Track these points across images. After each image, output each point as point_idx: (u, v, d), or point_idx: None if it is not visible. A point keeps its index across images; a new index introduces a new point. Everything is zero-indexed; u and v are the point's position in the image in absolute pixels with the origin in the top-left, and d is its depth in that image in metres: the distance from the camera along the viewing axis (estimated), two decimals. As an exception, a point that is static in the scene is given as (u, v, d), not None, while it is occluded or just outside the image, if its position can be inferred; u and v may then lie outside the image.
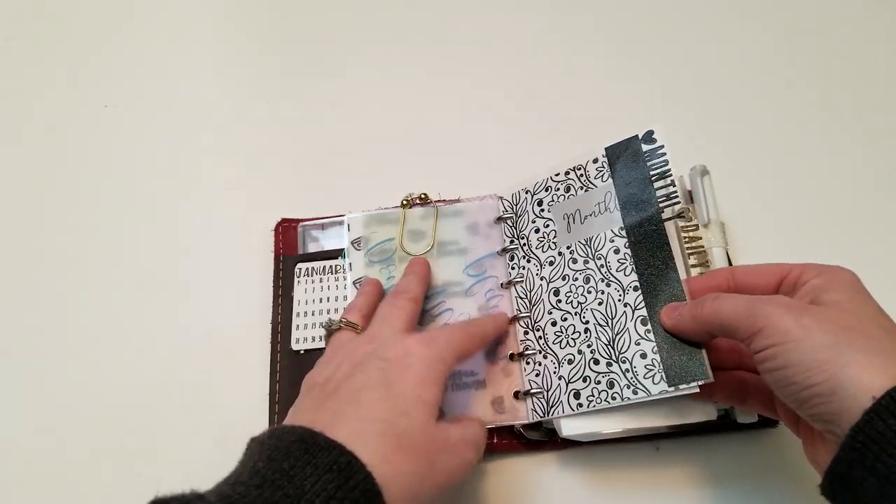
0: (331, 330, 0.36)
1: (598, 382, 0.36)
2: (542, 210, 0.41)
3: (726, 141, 0.49)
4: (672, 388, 0.33)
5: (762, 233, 0.45)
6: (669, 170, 0.37)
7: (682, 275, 0.36)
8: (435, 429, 0.30)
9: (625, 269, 0.37)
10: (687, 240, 0.40)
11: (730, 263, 0.40)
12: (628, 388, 0.35)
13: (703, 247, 0.40)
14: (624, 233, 0.37)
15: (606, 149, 0.40)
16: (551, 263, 0.40)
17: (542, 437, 0.38)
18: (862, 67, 0.52)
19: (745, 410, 0.36)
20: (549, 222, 0.40)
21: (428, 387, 0.30)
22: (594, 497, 0.38)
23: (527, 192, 0.42)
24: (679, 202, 0.36)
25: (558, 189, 0.41)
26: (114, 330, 0.43)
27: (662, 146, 0.38)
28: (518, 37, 0.54)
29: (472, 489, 0.38)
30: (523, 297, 0.40)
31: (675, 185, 0.37)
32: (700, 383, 0.33)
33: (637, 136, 0.38)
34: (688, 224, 0.40)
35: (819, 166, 0.48)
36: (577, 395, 0.36)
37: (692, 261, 0.39)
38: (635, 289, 0.36)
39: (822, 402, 0.26)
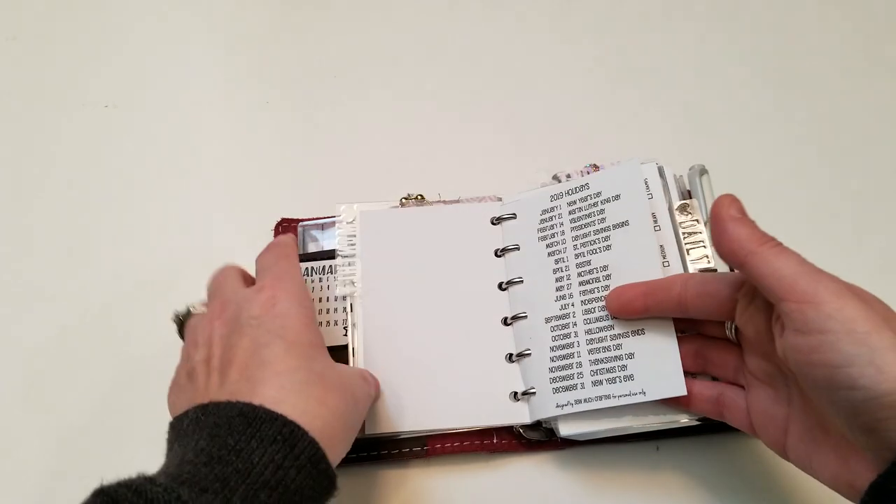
0: (181, 321, 0.35)
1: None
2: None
3: (725, 139, 0.49)
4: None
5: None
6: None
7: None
8: (335, 365, 0.31)
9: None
10: (686, 234, 0.40)
11: None
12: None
13: (703, 242, 0.39)
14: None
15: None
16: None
17: (541, 438, 0.38)
18: (863, 67, 0.52)
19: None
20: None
21: (312, 328, 0.31)
22: (594, 497, 0.38)
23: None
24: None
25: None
26: (112, 331, 0.43)
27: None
28: (519, 39, 0.54)
29: (472, 489, 0.38)
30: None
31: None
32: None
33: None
34: (687, 220, 0.40)
35: (823, 164, 0.48)
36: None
37: (692, 255, 0.39)
38: None
39: (857, 388, 0.23)
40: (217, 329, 0.31)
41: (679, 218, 0.40)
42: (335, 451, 0.28)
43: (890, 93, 0.51)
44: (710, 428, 0.37)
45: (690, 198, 0.41)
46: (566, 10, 0.55)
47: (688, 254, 0.39)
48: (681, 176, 0.42)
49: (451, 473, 0.38)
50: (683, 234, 0.39)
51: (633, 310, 0.35)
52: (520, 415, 0.38)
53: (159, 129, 0.51)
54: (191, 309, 0.35)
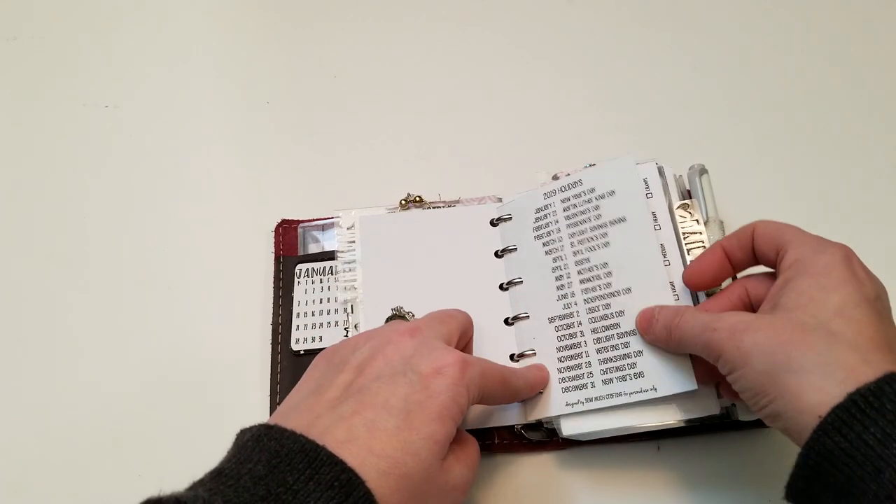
0: (392, 316, 0.37)
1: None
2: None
3: (726, 139, 0.49)
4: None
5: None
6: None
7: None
8: (438, 471, 0.29)
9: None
10: (686, 234, 0.40)
11: None
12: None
13: (702, 242, 0.39)
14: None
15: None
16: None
17: (542, 438, 0.38)
18: (862, 64, 0.52)
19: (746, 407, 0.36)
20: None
21: (445, 423, 0.29)
22: (595, 496, 0.37)
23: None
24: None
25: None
26: (113, 331, 0.43)
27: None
28: (519, 39, 0.54)
29: (472, 490, 0.37)
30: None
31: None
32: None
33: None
34: (687, 220, 0.40)
35: (822, 164, 0.48)
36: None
37: (691, 256, 0.39)
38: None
39: (776, 422, 0.28)
40: (385, 354, 0.31)
41: (679, 218, 0.40)
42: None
43: (891, 91, 0.51)
44: (712, 427, 0.37)
45: (690, 197, 0.41)
46: (566, 11, 0.55)
47: (688, 253, 0.39)
48: (680, 176, 0.42)
49: None
50: (684, 233, 0.39)
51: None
52: (522, 414, 0.38)
53: (159, 129, 0.50)
54: (401, 313, 0.36)
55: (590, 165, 0.43)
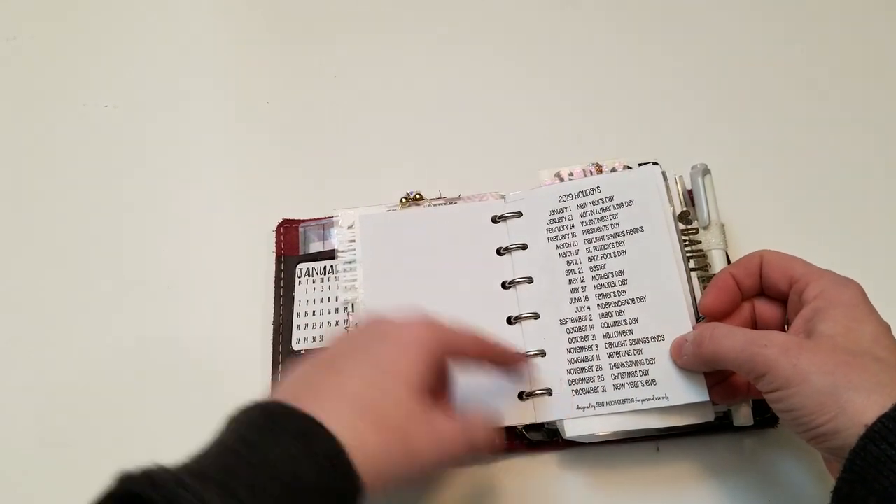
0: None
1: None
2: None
3: (725, 138, 0.49)
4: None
5: (763, 234, 0.44)
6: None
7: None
8: (415, 409, 0.29)
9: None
10: (687, 243, 0.40)
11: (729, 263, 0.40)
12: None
13: (702, 251, 0.40)
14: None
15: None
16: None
17: (543, 438, 0.38)
18: (866, 63, 0.52)
19: (742, 413, 0.36)
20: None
21: (413, 362, 0.29)
22: (595, 497, 0.38)
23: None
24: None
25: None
26: (115, 331, 0.43)
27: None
28: (519, 35, 0.54)
29: (473, 490, 0.38)
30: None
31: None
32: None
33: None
34: (688, 228, 0.40)
35: (822, 164, 0.48)
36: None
37: (691, 264, 0.39)
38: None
39: (828, 440, 0.28)
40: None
41: (680, 225, 0.39)
42: (372, 466, 0.26)
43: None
44: (710, 428, 0.37)
45: (692, 198, 0.41)
46: (565, 10, 0.55)
47: (688, 262, 0.39)
48: (680, 176, 0.42)
49: (451, 472, 0.38)
50: (685, 241, 0.39)
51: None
52: (526, 415, 0.38)
53: (159, 129, 0.50)
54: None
55: (592, 165, 0.43)
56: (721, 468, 0.38)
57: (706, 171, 0.41)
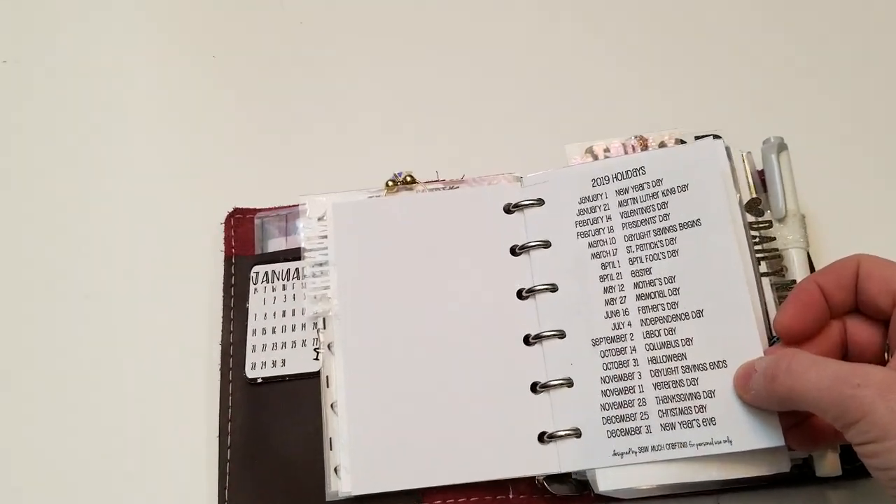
0: None
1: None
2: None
3: (807, 106, 0.49)
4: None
5: (857, 231, 0.44)
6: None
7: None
8: None
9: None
10: (757, 240, 0.39)
11: (812, 270, 0.40)
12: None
13: (777, 250, 0.39)
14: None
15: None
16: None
17: (570, 492, 0.38)
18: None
19: (827, 461, 0.36)
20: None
21: None
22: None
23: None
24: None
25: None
26: (14, 351, 0.43)
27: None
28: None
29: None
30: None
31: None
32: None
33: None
34: (759, 220, 0.40)
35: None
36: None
37: (763, 268, 0.39)
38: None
39: None
40: None
41: (748, 218, 0.39)
42: None
43: None
44: (784, 480, 0.37)
45: (763, 182, 0.41)
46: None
47: (759, 265, 0.38)
48: (749, 153, 0.41)
49: None
50: (755, 238, 0.39)
51: None
52: (547, 462, 0.37)
53: (72, 91, 0.50)
54: None
55: (635, 138, 0.43)
56: None
57: (782, 147, 0.41)
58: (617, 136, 0.42)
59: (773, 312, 0.38)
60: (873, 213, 0.46)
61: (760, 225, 0.40)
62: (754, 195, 0.40)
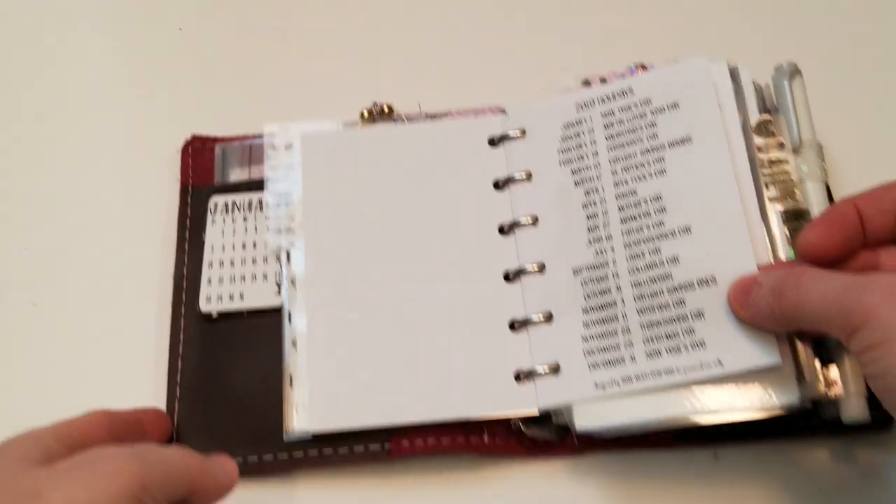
0: None
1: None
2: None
3: (817, 31, 0.52)
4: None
5: (867, 160, 0.47)
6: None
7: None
8: None
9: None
10: (765, 164, 0.43)
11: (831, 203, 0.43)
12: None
13: (788, 172, 0.43)
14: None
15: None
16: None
17: (550, 437, 0.41)
18: None
19: (854, 404, 0.38)
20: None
21: None
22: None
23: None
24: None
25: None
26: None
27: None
28: None
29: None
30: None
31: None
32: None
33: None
34: (768, 142, 0.43)
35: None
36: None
37: (771, 192, 0.42)
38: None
39: None
40: None
41: (757, 141, 0.43)
42: None
43: None
44: (792, 430, 0.40)
45: (776, 111, 0.45)
46: None
47: (766, 189, 0.42)
48: (767, 85, 0.45)
49: (422, 483, 0.42)
50: (762, 162, 0.43)
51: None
52: (524, 402, 0.41)
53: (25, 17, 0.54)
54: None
55: (635, 66, 0.47)
56: (811, 487, 0.41)
57: (795, 73, 0.45)
58: (618, 65, 0.46)
59: (778, 239, 0.41)
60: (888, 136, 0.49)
61: (768, 148, 0.43)
62: (765, 117, 0.43)
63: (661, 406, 0.39)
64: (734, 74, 0.44)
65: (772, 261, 0.40)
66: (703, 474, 0.42)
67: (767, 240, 0.41)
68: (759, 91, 0.45)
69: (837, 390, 0.39)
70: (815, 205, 0.43)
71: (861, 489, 0.41)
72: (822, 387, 0.38)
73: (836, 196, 0.45)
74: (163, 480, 0.32)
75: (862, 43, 0.53)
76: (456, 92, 0.50)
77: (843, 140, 0.48)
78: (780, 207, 0.42)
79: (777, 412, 0.38)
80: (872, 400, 0.37)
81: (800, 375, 0.38)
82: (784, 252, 0.41)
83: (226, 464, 0.37)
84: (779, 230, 0.42)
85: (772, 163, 0.43)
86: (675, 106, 0.43)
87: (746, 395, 0.38)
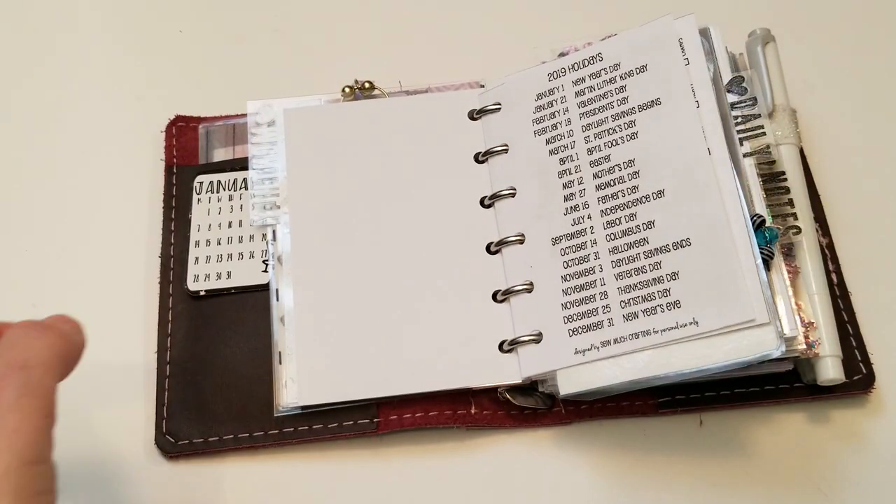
0: None
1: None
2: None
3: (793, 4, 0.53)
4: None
5: (844, 127, 0.48)
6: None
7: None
8: None
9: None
10: (739, 119, 0.43)
11: (805, 167, 0.45)
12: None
13: (762, 127, 0.43)
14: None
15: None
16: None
17: (536, 405, 0.42)
18: None
19: (828, 365, 0.39)
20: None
21: None
22: (610, 489, 0.41)
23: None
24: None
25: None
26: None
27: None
28: None
29: (439, 477, 0.42)
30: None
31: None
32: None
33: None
34: (742, 99, 0.43)
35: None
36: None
37: (746, 148, 0.42)
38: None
39: None
40: None
41: (731, 98, 0.43)
42: None
43: None
44: (775, 392, 0.41)
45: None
46: None
47: (741, 144, 0.42)
48: (740, 54, 0.46)
49: (410, 455, 0.42)
50: (738, 118, 0.43)
51: None
52: (508, 371, 0.42)
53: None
54: None
55: (608, 37, 0.46)
56: (789, 450, 0.41)
57: (768, 39, 0.45)
58: (591, 38, 0.46)
59: (755, 192, 0.41)
60: (872, 111, 0.50)
61: (744, 104, 0.43)
62: (737, 73, 0.44)
63: (640, 367, 0.39)
64: (705, 33, 0.44)
65: (745, 214, 0.39)
66: (688, 440, 0.42)
67: (742, 194, 0.40)
68: (732, 59, 0.45)
69: (816, 337, 0.40)
70: (790, 170, 0.43)
71: (841, 450, 0.42)
72: (800, 339, 0.39)
73: (810, 160, 0.46)
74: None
75: (835, 8, 0.54)
76: (436, 69, 0.50)
77: (816, 105, 0.49)
78: (751, 161, 0.43)
79: (756, 365, 0.38)
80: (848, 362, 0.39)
81: (780, 328, 0.38)
82: (760, 205, 0.41)
83: (66, 322, 0.36)
84: (755, 184, 0.42)
85: (746, 118, 0.44)
86: (643, 68, 0.43)
87: (724, 349, 0.38)
